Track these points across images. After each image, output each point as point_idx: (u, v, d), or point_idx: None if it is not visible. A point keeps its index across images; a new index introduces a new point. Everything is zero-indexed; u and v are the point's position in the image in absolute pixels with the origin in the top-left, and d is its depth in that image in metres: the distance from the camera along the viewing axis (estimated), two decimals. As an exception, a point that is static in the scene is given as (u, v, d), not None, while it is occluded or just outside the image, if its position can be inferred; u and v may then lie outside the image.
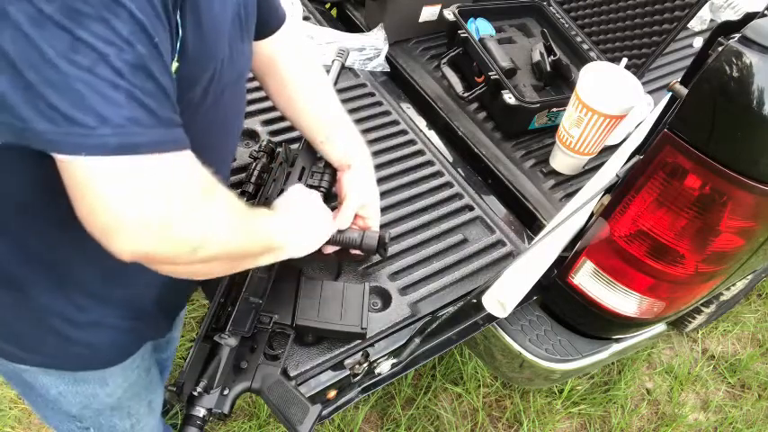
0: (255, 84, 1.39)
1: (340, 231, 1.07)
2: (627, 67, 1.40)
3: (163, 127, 0.61)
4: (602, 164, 1.30)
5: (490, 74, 1.51)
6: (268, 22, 1.02)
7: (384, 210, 1.23)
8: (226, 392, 0.93)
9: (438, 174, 1.42)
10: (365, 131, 1.44)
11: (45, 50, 0.53)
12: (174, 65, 0.65)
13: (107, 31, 0.54)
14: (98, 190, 0.60)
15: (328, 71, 1.30)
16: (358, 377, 1.05)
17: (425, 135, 1.53)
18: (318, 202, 1.03)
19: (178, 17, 0.62)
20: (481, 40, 1.60)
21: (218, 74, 0.74)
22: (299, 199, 1.02)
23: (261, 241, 0.82)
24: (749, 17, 0.93)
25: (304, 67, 1.10)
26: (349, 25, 1.82)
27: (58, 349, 0.91)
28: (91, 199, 0.61)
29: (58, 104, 0.55)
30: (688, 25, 1.59)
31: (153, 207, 0.63)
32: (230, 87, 0.81)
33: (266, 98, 1.38)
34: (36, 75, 0.54)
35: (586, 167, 1.50)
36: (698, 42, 1.99)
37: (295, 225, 0.95)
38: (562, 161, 1.47)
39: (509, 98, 1.46)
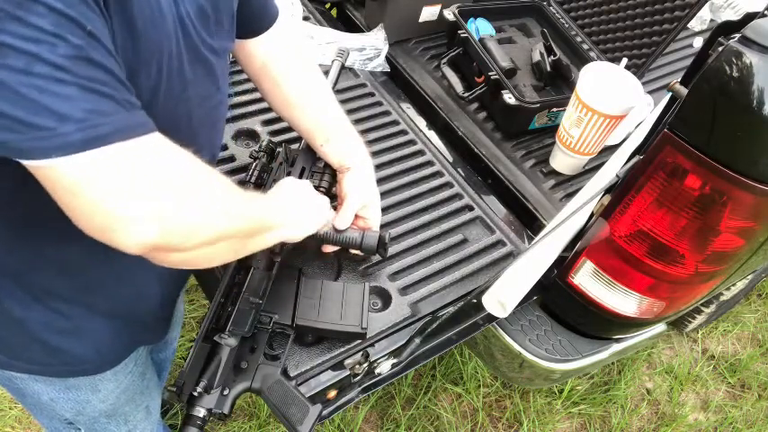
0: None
1: (340, 231, 1.07)
2: (627, 67, 1.40)
3: (126, 111, 0.59)
4: (602, 164, 1.30)
5: (490, 74, 1.51)
6: (258, 19, 1.00)
7: (384, 210, 1.23)
8: (226, 392, 0.93)
9: (438, 174, 1.42)
10: (365, 131, 1.44)
11: None
12: None
13: (29, 30, 0.52)
14: (82, 190, 0.58)
15: (328, 71, 1.30)
16: (358, 377, 1.05)
17: (425, 135, 1.53)
18: (310, 188, 1.02)
19: (104, 7, 0.59)
20: (481, 40, 1.60)
21: (171, 68, 0.70)
22: (289, 185, 1.01)
23: (257, 219, 0.81)
24: (749, 17, 0.93)
25: (299, 70, 1.08)
26: (349, 25, 1.82)
27: (44, 356, 0.90)
28: (79, 201, 0.59)
29: (10, 113, 0.54)
30: (688, 25, 1.59)
31: (144, 194, 0.61)
32: (194, 84, 0.78)
33: (266, 98, 1.38)
34: None
35: (586, 167, 1.50)
36: (698, 42, 1.99)
37: (289, 204, 0.94)
38: (562, 161, 1.47)
39: (509, 98, 1.46)
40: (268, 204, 0.88)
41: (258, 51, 1.04)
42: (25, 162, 0.57)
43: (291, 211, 0.93)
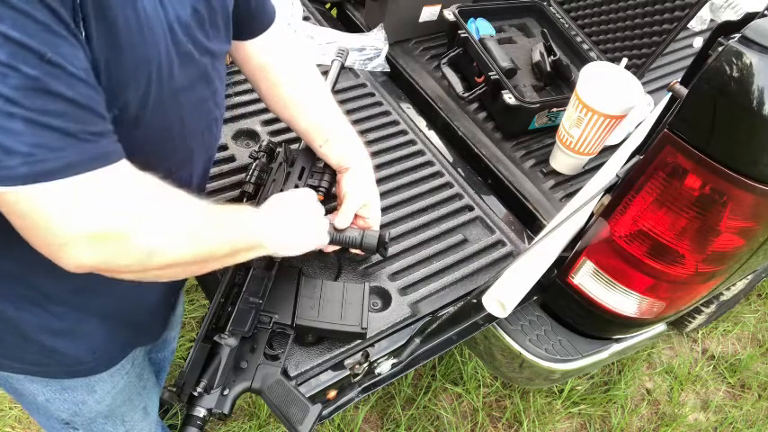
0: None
1: (340, 231, 1.07)
2: (627, 67, 1.40)
3: (81, 144, 0.58)
4: (602, 164, 1.30)
5: (490, 74, 1.51)
6: (256, 20, 1.00)
7: (384, 210, 1.23)
8: (226, 392, 0.93)
9: (438, 174, 1.42)
10: (365, 131, 1.44)
11: None
12: None
13: None
14: (28, 216, 0.59)
15: (328, 71, 1.30)
16: (358, 377, 1.05)
17: (425, 135, 1.53)
18: (315, 205, 1.02)
19: (82, 27, 0.58)
20: (481, 40, 1.60)
21: (160, 77, 0.70)
22: (291, 198, 1.01)
23: (229, 240, 0.80)
24: (749, 17, 0.93)
25: (297, 71, 1.08)
26: (349, 25, 1.82)
27: (39, 357, 0.90)
28: (24, 223, 0.60)
29: None
30: (688, 25, 1.59)
31: (90, 223, 0.61)
32: (187, 89, 0.77)
33: (266, 98, 1.38)
34: None
35: (586, 167, 1.50)
36: (698, 42, 1.99)
37: (279, 223, 0.93)
38: (562, 161, 1.47)
39: (509, 98, 1.46)
40: (252, 224, 0.87)
41: (255, 52, 1.03)
42: None
43: (281, 231, 0.92)
